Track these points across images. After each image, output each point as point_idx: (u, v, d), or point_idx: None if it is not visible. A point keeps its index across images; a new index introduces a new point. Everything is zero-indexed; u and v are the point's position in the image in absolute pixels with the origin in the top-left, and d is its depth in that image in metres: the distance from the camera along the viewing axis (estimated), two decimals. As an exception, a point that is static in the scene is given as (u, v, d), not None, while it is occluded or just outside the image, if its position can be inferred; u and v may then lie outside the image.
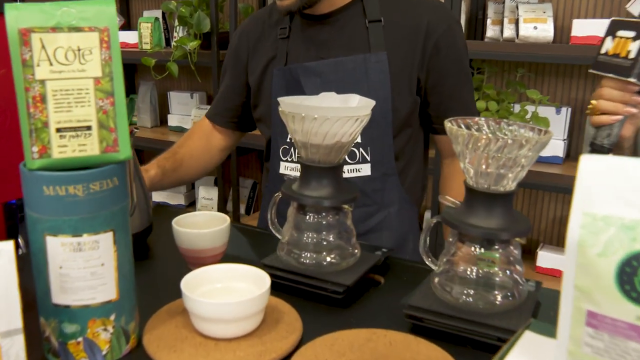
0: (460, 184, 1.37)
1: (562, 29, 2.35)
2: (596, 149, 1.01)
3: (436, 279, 0.90)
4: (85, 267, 0.73)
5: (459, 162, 0.85)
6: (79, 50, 0.69)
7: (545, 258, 2.30)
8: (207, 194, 3.10)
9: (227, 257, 1.09)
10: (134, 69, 3.48)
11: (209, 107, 2.99)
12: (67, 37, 0.68)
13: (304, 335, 0.85)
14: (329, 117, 0.86)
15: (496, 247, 0.84)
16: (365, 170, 1.25)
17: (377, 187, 1.26)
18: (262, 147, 2.75)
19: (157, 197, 3.30)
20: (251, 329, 0.82)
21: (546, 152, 2.25)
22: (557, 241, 2.52)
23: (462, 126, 0.86)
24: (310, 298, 0.95)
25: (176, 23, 2.79)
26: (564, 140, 2.27)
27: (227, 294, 0.88)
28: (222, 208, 2.97)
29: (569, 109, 2.27)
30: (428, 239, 0.93)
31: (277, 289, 0.97)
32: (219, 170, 2.87)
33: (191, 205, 3.33)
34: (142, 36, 2.95)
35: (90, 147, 0.71)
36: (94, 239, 0.72)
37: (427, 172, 1.45)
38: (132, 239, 1.10)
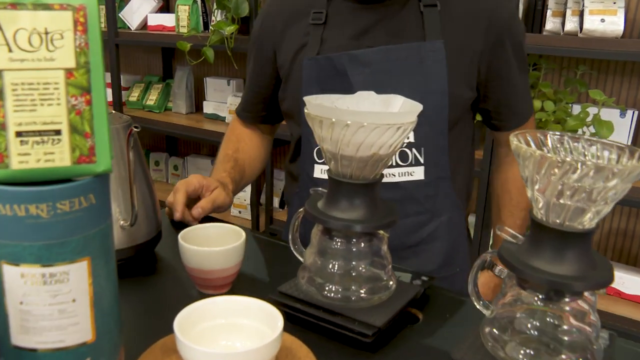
0: (519, 183, 1.24)
1: (633, 22, 2.12)
2: None
3: (487, 329, 0.73)
4: (52, 304, 0.59)
5: (527, 189, 0.68)
6: (46, 33, 0.54)
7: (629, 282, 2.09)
8: (241, 185, 2.97)
9: (241, 277, 0.95)
10: (171, 54, 3.37)
11: (246, 95, 2.89)
12: (31, 16, 0.54)
13: (322, 389, 0.70)
14: (365, 124, 0.70)
15: (567, 299, 0.67)
16: (418, 173, 1.11)
17: (430, 193, 1.13)
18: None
19: (190, 186, 3.19)
20: (257, 382, 0.67)
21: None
22: (619, 257, 2.30)
23: (532, 143, 0.69)
24: (332, 337, 0.80)
25: (214, 6, 2.65)
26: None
27: (230, 333, 0.73)
28: (255, 201, 2.84)
29: (636, 112, 2.05)
30: (478, 275, 0.77)
31: (294, 322, 0.82)
32: (254, 161, 2.73)
33: (224, 196, 3.21)
34: (180, 19, 2.83)
35: (59, 156, 0.56)
36: (63, 270, 0.58)
37: (474, 173, 1.32)
38: (136, 250, 0.99)
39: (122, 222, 0.93)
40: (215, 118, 3.01)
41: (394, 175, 1.10)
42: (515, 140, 0.67)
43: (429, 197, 1.13)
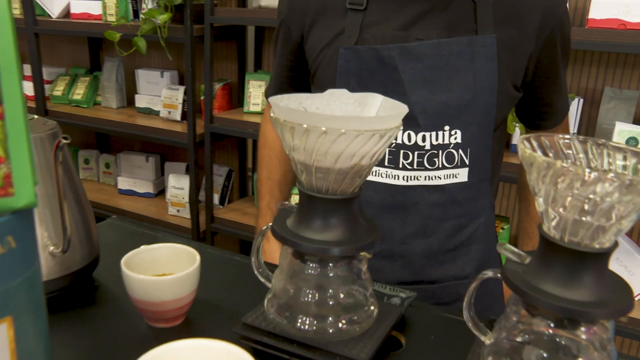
0: None
1: (575, 10, 2.09)
2: None
3: (489, 357, 0.64)
4: (-37, 379, 0.45)
5: (534, 202, 0.59)
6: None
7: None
8: (178, 182, 2.81)
9: (197, 305, 0.82)
10: (99, 44, 3.15)
11: (180, 87, 2.72)
12: None
13: None
14: (345, 130, 0.59)
15: (582, 328, 0.59)
16: (463, 175, 1.03)
17: (472, 195, 1.06)
18: (239, 133, 2.47)
19: (123, 184, 3.01)
20: None
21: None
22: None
23: (537, 148, 0.60)
24: (310, 375, 0.69)
25: (144, -8, 2.47)
26: (574, 134, 2.03)
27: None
28: (194, 198, 2.69)
29: (581, 100, 2.03)
30: (474, 297, 0.68)
31: (263, 358, 0.71)
32: (191, 156, 2.59)
33: (160, 193, 3.05)
34: (107, 7, 2.62)
35: (-37, 190, 0.43)
36: (-24, 336, 0.45)
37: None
38: (70, 280, 0.84)
39: (52, 249, 0.79)
40: (148, 112, 2.84)
41: (440, 178, 1.02)
42: (521, 145, 0.58)
43: (470, 200, 1.06)
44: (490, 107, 1.01)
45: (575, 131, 2.04)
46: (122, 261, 0.77)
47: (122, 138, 3.23)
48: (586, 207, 0.54)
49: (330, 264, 0.68)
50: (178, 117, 2.71)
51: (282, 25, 1.15)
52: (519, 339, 0.62)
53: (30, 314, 0.48)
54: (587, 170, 0.51)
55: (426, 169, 0.99)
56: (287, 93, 1.19)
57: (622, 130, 1.92)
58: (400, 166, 1.00)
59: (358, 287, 0.70)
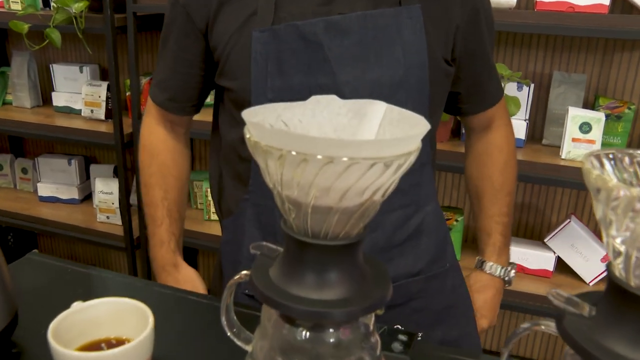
0: (499, 165, 1.14)
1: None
2: None
3: None
4: None
5: (602, 233, 0.45)
6: None
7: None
8: (106, 187, 2.57)
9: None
10: (4, 36, 2.83)
11: (103, 83, 2.47)
12: None
13: None
14: (360, 159, 0.43)
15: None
16: None
17: (414, 181, 0.98)
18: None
19: (44, 190, 2.73)
20: None
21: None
22: (517, 233, 2.24)
23: (608, 167, 0.46)
24: None
25: (55, -22, 2.20)
26: (526, 120, 1.96)
27: None
28: (125, 203, 2.46)
29: (532, 85, 1.96)
30: (507, 351, 0.54)
31: None
32: (119, 157, 2.36)
33: (87, 199, 2.79)
34: (10, -7, 2.34)
35: None
36: None
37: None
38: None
39: (-49, 319, 0.59)
40: (68, 111, 2.57)
41: None
42: (588, 164, 0.44)
43: (413, 187, 0.99)
44: (423, 83, 0.93)
45: (527, 117, 1.97)
46: (49, 330, 0.58)
47: (39, 140, 2.94)
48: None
49: (331, 329, 0.52)
50: (102, 116, 2.47)
51: (179, 12, 0.99)
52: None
53: None
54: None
55: None
56: (185, 93, 1.05)
57: (575, 116, 1.86)
58: None
59: (366, 351, 0.55)
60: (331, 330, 0.52)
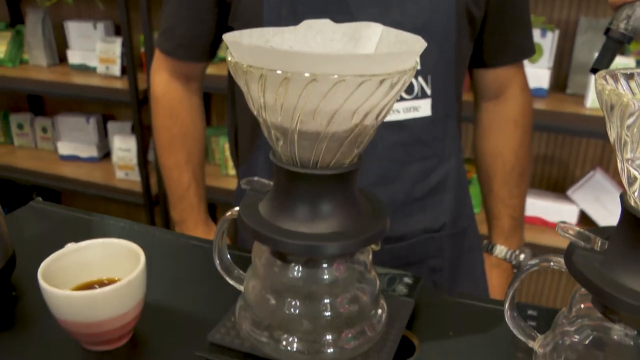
0: (513, 143, 1.04)
1: None
2: (612, 37, 0.75)
3: (545, 372, 0.48)
4: None
5: (617, 160, 0.41)
6: None
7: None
8: (124, 143, 2.57)
9: (147, 318, 0.63)
10: (17, -7, 2.81)
11: (117, 39, 2.44)
12: None
13: None
14: (346, 76, 0.39)
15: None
16: (425, 109, 0.88)
17: (437, 134, 0.92)
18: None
19: (63, 149, 2.74)
20: None
21: (529, 84, 1.88)
22: (540, 185, 2.18)
23: (624, 83, 0.42)
24: (305, 408, 0.52)
25: None
26: (549, 69, 1.88)
27: None
28: (142, 160, 2.45)
29: (557, 32, 1.88)
30: (513, 293, 0.51)
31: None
32: (135, 114, 2.34)
33: (106, 156, 2.79)
34: (23, -50, 2.31)
35: None
36: None
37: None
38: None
39: (-59, 260, 0.58)
40: (84, 69, 2.55)
41: (399, 112, 0.87)
42: (606, 83, 0.40)
43: (436, 139, 0.92)
44: (450, 30, 0.87)
45: (551, 65, 1.89)
46: (39, 271, 0.57)
47: (57, 99, 2.94)
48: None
49: (325, 265, 0.49)
50: (117, 73, 2.45)
51: None
52: (588, 350, 0.45)
53: None
54: None
55: None
56: (194, 38, 0.98)
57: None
58: None
59: (363, 288, 0.52)
60: (325, 265, 0.49)
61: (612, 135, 0.40)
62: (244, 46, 0.42)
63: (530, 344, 0.50)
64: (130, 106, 2.35)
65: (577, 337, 0.46)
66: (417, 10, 0.84)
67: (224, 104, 2.60)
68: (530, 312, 0.61)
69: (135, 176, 2.58)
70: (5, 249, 0.66)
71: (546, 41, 1.89)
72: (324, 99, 0.40)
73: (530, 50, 1.03)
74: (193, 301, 0.68)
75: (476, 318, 0.65)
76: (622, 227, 0.43)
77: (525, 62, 1.85)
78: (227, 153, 2.41)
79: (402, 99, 0.86)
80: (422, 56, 0.85)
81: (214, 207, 2.74)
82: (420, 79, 0.87)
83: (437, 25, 0.85)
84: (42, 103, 3.01)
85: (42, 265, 0.58)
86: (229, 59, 0.44)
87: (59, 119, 2.78)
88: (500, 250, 1.09)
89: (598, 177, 1.91)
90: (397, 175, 0.90)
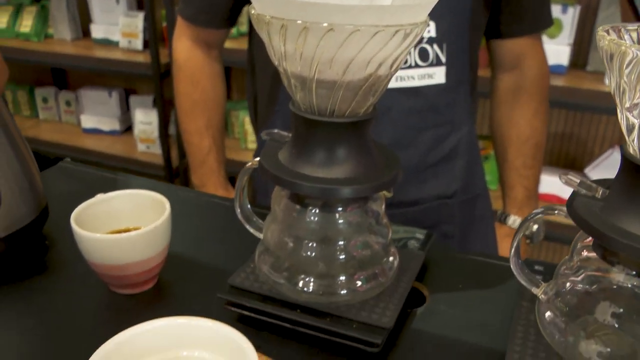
0: (528, 113, 1.04)
1: None
2: None
3: (547, 314, 0.51)
4: None
5: (617, 109, 0.43)
6: None
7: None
8: (145, 117, 2.61)
9: (170, 263, 0.67)
10: (43, -32, 2.85)
11: (139, 13, 2.47)
12: None
13: None
14: (361, 27, 0.42)
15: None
16: (439, 76, 0.91)
17: (450, 101, 0.94)
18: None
19: (86, 122, 2.79)
20: None
21: (548, 60, 1.86)
22: (557, 163, 2.18)
23: (627, 37, 0.44)
24: (318, 346, 0.55)
25: None
26: (570, 45, 1.87)
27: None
28: (164, 133, 2.50)
29: (578, 7, 1.87)
30: (520, 240, 0.53)
31: (257, 327, 0.57)
32: (157, 88, 2.38)
33: (128, 130, 2.84)
34: None
35: None
36: None
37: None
38: (7, 243, 0.66)
39: (-19, 205, 0.62)
40: (106, 43, 2.59)
41: (413, 79, 0.90)
42: (607, 34, 0.42)
43: (449, 106, 0.94)
44: None
45: (571, 42, 1.88)
46: (72, 217, 0.60)
47: (80, 73, 2.99)
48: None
49: (340, 209, 0.52)
50: (140, 47, 2.48)
51: None
52: (590, 293, 0.48)
53: None
54: None
55: None
56: (215, 3, 0.99)
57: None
58: None
59: (375, 235, 0.55)
60: (339, 209, 0.52)
61: (611, 85, 0.42)
62: (262, 0, 0.45)
63: (534, 290, 0.53)
64: (152, 80, 2.39)
65: (577, 282, 0.49)
66: None
67: (243, 78, 2.63)
68: (537, 267, 0.64)
69: (157, 149, 2.63)
70: (38, 201, 0.70)
71: (567, 17, 1.88)
72: (340, 48, 0.43)
73: (547, 22, 1.03)
74: (214, 253, 0.71)
75: (485, 273, 0.68)
76: (622, 175, 0.45)
77: (545, 39, 1.85)
78: (247, 126, 2.44)
79: (417, 65, 0.88)
80: (438, 24, 0.87)
81: (233, 180, 2.79)
82: (435, 46, 0.89)
83: None
84: (65, 77, 3.06)
85: (75, 212, 0.61)
86: (252, 12, 0.47)
87: (82, 93, 2.83)
88: (514, 220, 1.11)
89: (617, 155, 1.91)
90: (411, 141, 0.92)
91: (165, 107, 2.48)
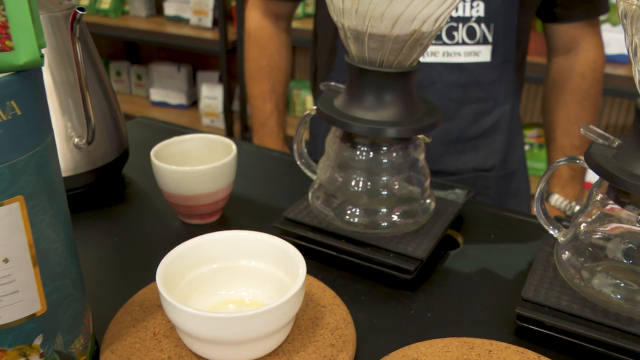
0: (578, 94, 1.07)
1: None
2: None
3: (565, 255, 0.57)
4: (-28, 267, 0.39)
5: (632, 64, 0.49)
6: None
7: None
8: (211, 92, 2.74)
9: (234, 201, 0.76)
10: (123, -52, 3.00)
11: (210, -8, 2.58)
12: None
13: (358, 344, 0.53)
14: (406, -13, 0.49)
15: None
16: (485, 55, 0.96)
17: (495, 77, 0.98)
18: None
19: (155, 95, 2.94)
20: (275, 346, 0.50)
21: (611, 50, 1.86)
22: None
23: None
24: (359, 274, 0.63)
25: None
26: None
27: (231, 281, 0.55)
28: (227, 108, 2.62)
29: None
30: (545, 188, 0.59)
31: (307, 256, 0.65)
32: (223, 64, 2.49)
33: (193, 105, 2.98)
34: None
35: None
36: (-18, 217, 0.38)
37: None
38: (97, 175, 0.78)
39: (76, 140, 0.72)
40: (178, 20, 2.72)
41: (460, 55, 0.95)
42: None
43: (493, 82, 0.98)
44: None
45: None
46: (152, 152, 0.70)
47: (152, 48, 3.14)
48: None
49: (384, 148, 0.60)
50: (209, 24, 2.60)
51: None
52: (602, 233, 0.54)
53: (43, 194, 0.41)
54: None
55: (444, 44, 0.92)
56: None
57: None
58: None
59: (414, 176, 0.62)
60: (384, 148, 0.59)
61: (629, 46, 0.48)
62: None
63: (555, 233, 0.59)
64: (219, 56, 2.50)
65: (592, 223, 0.55)
66: None
67: (306, 58, 2.72)
68: (565, 223, 0.69)
69: (220, 123, 2.75)
70: (122, 143, 0.80)
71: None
72: (389, 5, 0.50)
73: (604, 8, 1.04)
74: (273, 194, 0.80)
75: (517, 227, 0.74)
76: (634, 126, 0.51)
77: (609, 27, 1.84)
78: (308, 105, 2.53)
79: (464, 43, 0.93)
80: (487, 4, 0.91)
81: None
82: (483, 25, 0.93)
83: None
84: (138, 52, 3.22)
85: (154, 149, 0.71)
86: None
87: (152, 67, 2.98)
88: (557, 199, 1.14)
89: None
90: (453, 113, 0.98)
91: (231, 83, 2.60)
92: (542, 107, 1.17)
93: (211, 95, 2.73)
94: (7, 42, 0.36)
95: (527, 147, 2.12)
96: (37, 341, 0.44)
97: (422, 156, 0.63)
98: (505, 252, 0.69)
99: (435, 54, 0.93)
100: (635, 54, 0.47)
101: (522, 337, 0.55)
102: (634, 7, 0.44)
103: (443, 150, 0.99)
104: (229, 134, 2.65)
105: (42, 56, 0.39)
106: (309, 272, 0.62)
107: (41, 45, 0.39)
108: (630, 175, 0.49)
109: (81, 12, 0.59)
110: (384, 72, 0.56)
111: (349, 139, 0.60)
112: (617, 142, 0.53)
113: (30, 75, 0.39)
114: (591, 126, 0.54)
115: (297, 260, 0.51)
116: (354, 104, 0.58)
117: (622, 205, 0.52)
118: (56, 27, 0.70)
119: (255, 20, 1.17)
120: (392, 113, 0.57)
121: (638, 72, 0.48)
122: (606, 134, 0.53)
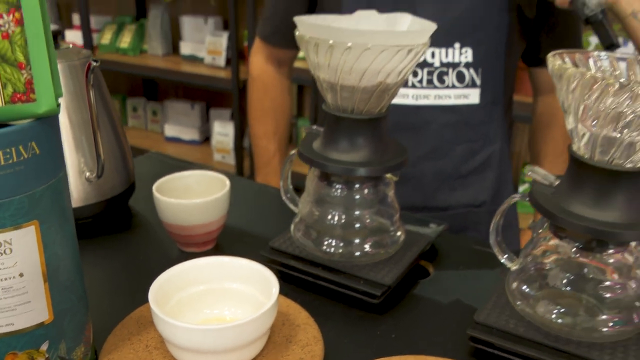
0: (561, 130, 1.15)
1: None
2: (591, 22, 0.84)
3: (514, 284, 0.63)
4: (-7, 279, 0.47)
5: (564, 120, 0.57)
6: None
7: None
8: (223, 128, 2.84)
9: (227, 232, 0.84)
10: (143, -10, 3.16)
11: (224, 33, 2.71)
12: None
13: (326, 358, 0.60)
14: (370, 46, 0.57)
15: (611, 250, 0.57)
16: (474, 97, 1.03)
17: (484, 118, 1.05)
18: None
19: (169, 131, 3.05)
20: (251, 357, 0.57)
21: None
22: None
23: (568, 61, 0.57)
24: (333, 298, 0.70)
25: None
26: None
27: (216, 300, 0.62)
28: (239, 145, 2.71)
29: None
30: (501, 222, 0.66)
31: (288, 281, 0.72)
32: (235, 102, 2.60)
33: (206, 140, 3.08)
34: (150, -48, 2.62)
35: (-16, 93, 0.44)
36: (4, 238, 0.46)
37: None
38: (105, 205, 0.86)
39: (88, 174, 0.81)
40: (193, 59, 2.85)
41: (450, 98, 1.02)
42: (551, 58, 0.55)
43: (483, 123, 1.05)
44: (502, 26, 0.99)
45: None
46: (155, 186, 0.78)
47: (168, 86, 3.27)
48: (616, 121, 0.52)
49: (357, 185, 0.67)
50: (222, 64, 2.72)
51: None
52: (544, 264, 0.60)
53: (55, 219, 0.49)
54: (618, 80, 0.48)
55: (435, 87, 1.00)
56: (287, 26, 1.10)
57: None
58: (409, 84, 1.00)
59: (384, 211, 0.69)
60: (357, 186, 0.67)
61: (560, 100, 0.55)
62: (306, 24, 0.61)
63: (507, 263, 0.66)
64: (232, 94, 2.61)
65: (536, 255, 0.61)
66: (474, 7, 0.97)
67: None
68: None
69: (231, 159, 2.84)
70: (128, 177, 0.88)
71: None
72: (356, 61, 0.58)
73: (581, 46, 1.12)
74: (263, 225, 0.88)
75: (488, 260, 0.81)
76: (569, 169, 0.58)
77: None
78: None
79: (454, 86, 1.01)
80: (475, 50, 0.99)
81: (296, 190, 2.97)
82: (471, 70, 1.01)
83: (492, 22, 0.98)
84: (156, 88, 3.35)
85: (156, 183, 0.79)
86: (296, 33, 0.63)
87: (167, 104, 3.10)
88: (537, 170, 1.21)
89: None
90: (446, 152, 1.05)
91: (242, 120, 2.70)
92: (529, 142, 1.24)
93: (223, 131, 2.83)
94: (31, 95, 0.45)
95: (525, 186, 2.18)
96: (44, 346, 0.51)
97: (391, 192, 0.70)
98: (473, 280, 0.75)
99: (428, 97, 1.01)
100: (569, 110, 0.55)
101: (478, 357, 0.62)
102: (569, 71, 0.52)
103: (436, 186, 1.07)
104: (239, 169, 2.74)
105: (58, 105, 0.47)
106: (289, 295, 0.69)
107: (58, 95, 0.47)
108: (563, 212, 0.56)
109: (95, 64, 0.68)
110: (355, 119, 0.64)
111: (326, 177, 0.68)
112: (556, 182, 0.60)
113: (48, 120, 0.48)
114: (536, 168, 0.61)
115: (271, 282, 0.58)
116: (330, 146, 0.66)
117: (560, 238, 0.59)
118: (74, 74, 0.80)
119: (259, 64, 1.26)
120: (364, 154, 0.65)
121: (571, 123, 0.55)
122: (548, 174, 0.61)
